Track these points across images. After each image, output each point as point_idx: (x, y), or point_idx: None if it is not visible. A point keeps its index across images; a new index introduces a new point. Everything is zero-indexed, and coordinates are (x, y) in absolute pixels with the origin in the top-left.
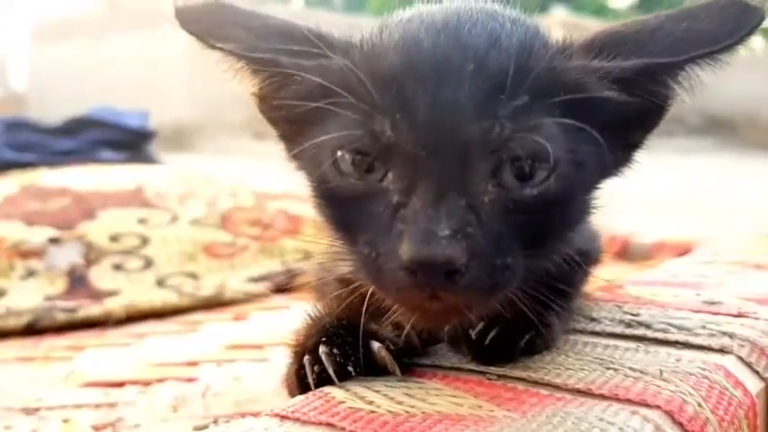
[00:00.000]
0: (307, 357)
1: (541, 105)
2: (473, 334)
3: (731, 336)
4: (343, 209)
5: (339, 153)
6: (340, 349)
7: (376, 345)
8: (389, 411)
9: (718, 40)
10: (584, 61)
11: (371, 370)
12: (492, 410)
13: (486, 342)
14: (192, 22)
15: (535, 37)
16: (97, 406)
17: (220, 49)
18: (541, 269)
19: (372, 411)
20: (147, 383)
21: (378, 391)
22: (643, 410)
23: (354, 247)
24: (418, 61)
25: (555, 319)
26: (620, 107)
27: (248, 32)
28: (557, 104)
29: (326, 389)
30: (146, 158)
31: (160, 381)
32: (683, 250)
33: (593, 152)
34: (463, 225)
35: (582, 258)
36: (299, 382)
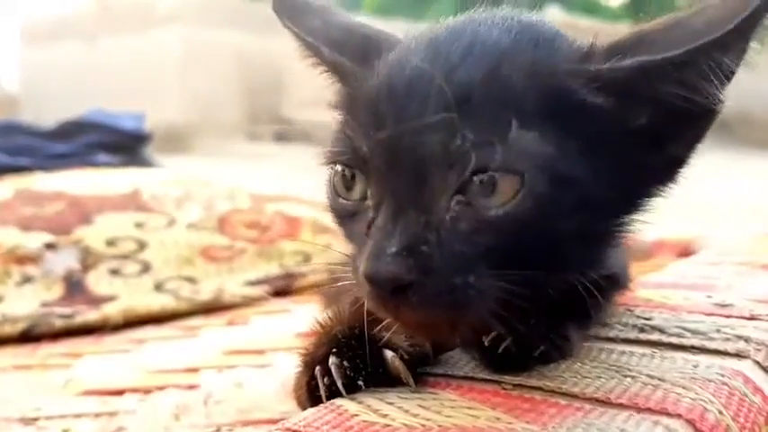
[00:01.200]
0: (318, 369)
1: (514, 116)
2: (486, 341)
3: (746, 340)
4: (343, 226)
5: (333, 168)
6: (350, 361)
7: (389, 354)
8: (404, 425)
9: (719, 28)
10: (577, 66)
11: (383, 381)
12: (511, 422)
13: (499, 351)
14: (282, 4)
15: (530, 45)
16: (97, 415)
17: (288, 27)
18: (538, 291)
19: (387, 425)
20: (147, 391)
21: (391, 404)
22: (665, 420)
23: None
24: (396, 78)
25: (574, 331)
26: (627, 116)
27: (324, 24)
28: (535, 115)
29: (339, 401)
30: (142, 161)
31: (160, 388)
32: (683, 249)
33: (593, 168)
34: (416, 242)
35: (606, 283)
36: (310, 394)
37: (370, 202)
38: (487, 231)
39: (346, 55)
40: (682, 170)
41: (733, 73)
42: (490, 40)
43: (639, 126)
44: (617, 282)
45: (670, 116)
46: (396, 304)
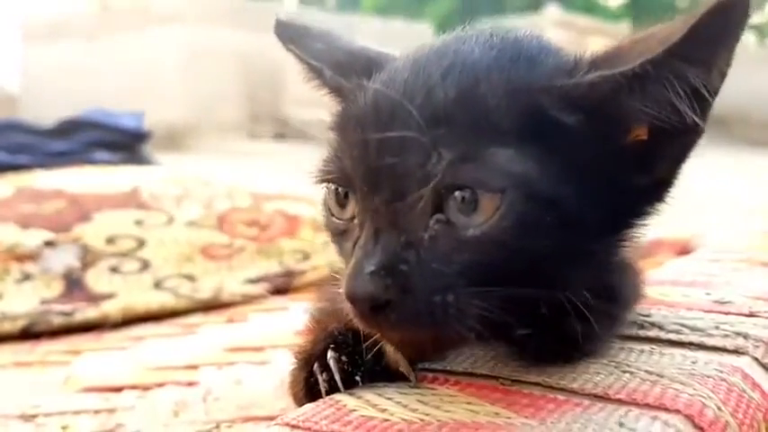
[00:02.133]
0: (316, 365)
1: (490, 134)
2: (518, 333)
3: (745, 336)
4: (336, 244)
5: (326, 187)
6: (348, 357)
7: (390, 347)
8: (403, 419)
9: (669, 40)
10: (548, 82)
11: (380, 377)
12: (509, 417)
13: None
14: (282, 28)
15: (509, 62)
16: (96, 412)
17: (290, 50)
18: (521, 306)
19: (386, 420)
20: (146, 388)
21: (390, 399)
22: (663, 415)
23: None
24: (381, 98)
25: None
26: (600, 134)
27: (327, 47)
28: (512, 133)
29: (337, 396)
30: (141, 160)
31: (159, 385)
32: (681, 247)
33: (576, 187)
34: (394, 261)
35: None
36: (308, 390)
37: (356, 222)
38: (466, 250)
39: (350, 77)
40: (668, 190)
41: (708, 88)
42: (470, 58)
43: (618, 145)
44: (615, 299)
45: (650, 135)
46: (377, 322)
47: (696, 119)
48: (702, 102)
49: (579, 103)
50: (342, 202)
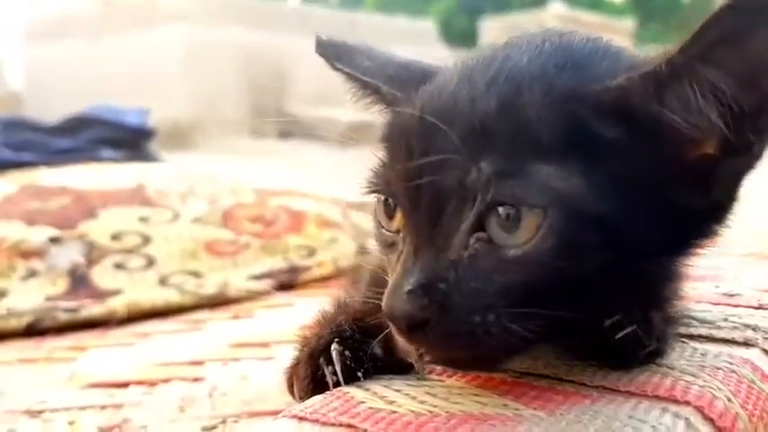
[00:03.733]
0: (322, 358)
1: (532, 148)
2: (607, 324)
3: (754, 328)
4: (385, 255)
5: (376, 198)
6: (353, 352)
7: (402, 339)
8: (412, 411)
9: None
10: (586, 91)
11: (383, 371)
12: (518, 409)
13: (618, 337)
14: (326, 48)
15: (555, 69)
16: (103, 407)
17: (339, 69)
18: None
19: (394, 411)
20: (152, 384)
21: (398, 391)
22: (673, 407)
23: None
24: (427, 109)
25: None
26: (642, 147)
27: (372, 61)
28: (554, 147)
29: (345, 388)
30: (146, 157)
31: (165, 381)
32: None
33: (626, 205)
34: (433, 280)
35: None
36: (315, 384)
37: (402, 235)
38: (507, 270)
39: (406, 90)
40: (726, 214)
41: (737, 98)
42: (516, 66)
43: (667, 162)
44: (664, 308)
45: (700, 153)
46: (416, 339)
47: (743, 134)
48: (739, 116)
49: (614, 112)
50: (390, 213)
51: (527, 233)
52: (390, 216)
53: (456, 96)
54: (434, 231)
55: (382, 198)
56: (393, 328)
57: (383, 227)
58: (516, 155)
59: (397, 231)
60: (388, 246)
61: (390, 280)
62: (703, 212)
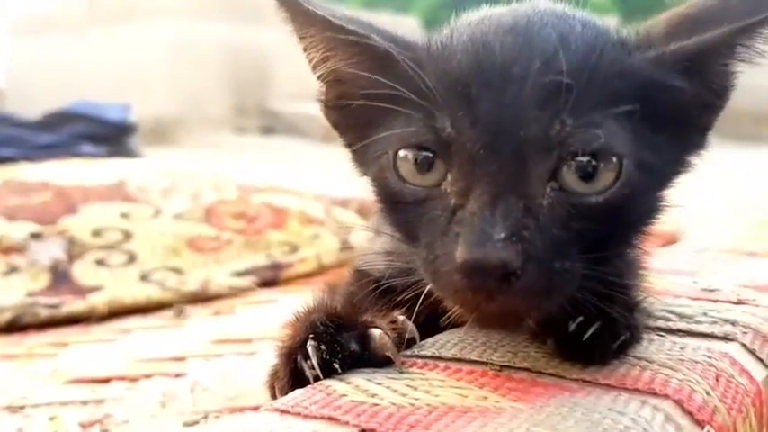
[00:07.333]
0: (299, 355)
1: (608, 104)
2: (572, 325)
3: (733, 323)
4: (406, 213)
5: (402, 153)
6: (328, 346)
7: (376, 332)
8: (393, 404)
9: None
10: (653, 52)
11: (360, 364)
12: (498, 401)
13: (585, 337)
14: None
15: (604, 36)
16: (84, 403)
17: (320, 17)
18: (605, 272)
19: (375, 404)
20: (133, 379)
21: (380, 384)
22: (652, 400)
23: (414, 248)
24: (485, 62)
25: (640, 319)
26: (687, 99)
27: (348, 18)
28: (625, 104)
29: (327, 382)
30: (127, 152)
31: (147, 376)
32: (668, 239)
33: (663, 153)
34: (519, 228)
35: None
36: (294, 380)
37: (449, 188)
38: (585, 217)
39: (398, 44)
40: (707, 137)
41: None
42: (574, 32)
43: (692, 110)
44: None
45: (705, 100)
46: (490, 292)
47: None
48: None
49: (683, 66)
50: (425, 168)
51: (605, 181)
52: (424, 170)
53: (529, 53)
54: (514, 180)
55: (410, 153)
56: (459, 283)
57: (408, 182)
58: (594, 110)
59: (436, 185)
60: (418, 202)
61: (463, 230)
62: (695, 139)
